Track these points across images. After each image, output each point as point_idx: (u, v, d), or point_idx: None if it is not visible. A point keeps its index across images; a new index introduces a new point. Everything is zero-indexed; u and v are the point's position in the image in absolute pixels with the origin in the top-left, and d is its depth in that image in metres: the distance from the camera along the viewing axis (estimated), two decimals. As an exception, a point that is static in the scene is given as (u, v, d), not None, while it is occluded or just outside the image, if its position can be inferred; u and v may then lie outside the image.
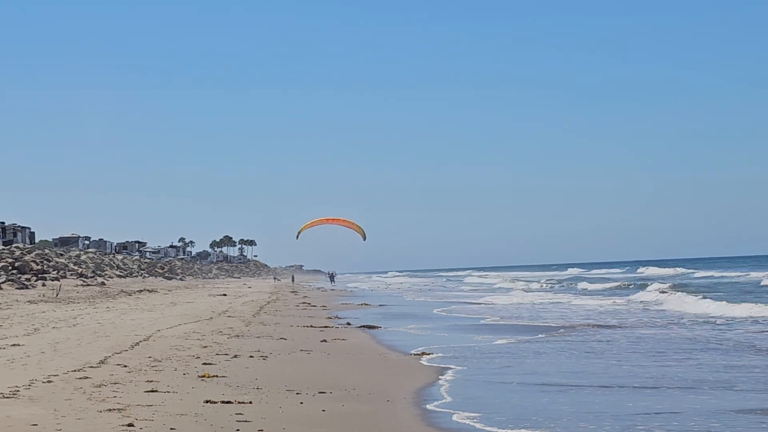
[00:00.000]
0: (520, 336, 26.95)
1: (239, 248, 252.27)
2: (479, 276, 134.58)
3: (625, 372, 18.19)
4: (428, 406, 14.08)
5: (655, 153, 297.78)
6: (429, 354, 21.48)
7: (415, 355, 21.55)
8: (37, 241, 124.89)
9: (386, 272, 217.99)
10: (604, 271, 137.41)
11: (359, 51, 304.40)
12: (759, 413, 13.20)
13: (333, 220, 61.77)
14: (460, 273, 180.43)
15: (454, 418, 13.12)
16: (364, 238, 61.25)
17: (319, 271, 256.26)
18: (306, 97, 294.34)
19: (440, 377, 17.44)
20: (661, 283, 68.41)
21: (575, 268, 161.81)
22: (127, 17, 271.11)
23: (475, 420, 12.87)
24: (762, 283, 63.81)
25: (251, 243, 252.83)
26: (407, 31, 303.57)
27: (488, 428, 12.31)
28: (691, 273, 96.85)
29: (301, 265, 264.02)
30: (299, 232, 62.85)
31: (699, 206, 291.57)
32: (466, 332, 29.05)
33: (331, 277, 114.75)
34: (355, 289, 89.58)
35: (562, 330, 29.17)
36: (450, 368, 18.79)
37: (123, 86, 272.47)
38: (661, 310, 39.63)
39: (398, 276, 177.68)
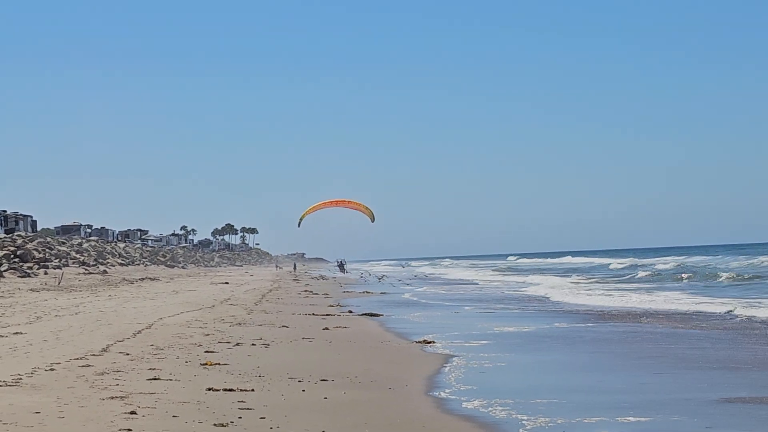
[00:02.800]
0: (515, 324, 27.05)
1: (241, 236, 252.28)
2: (429, 265, 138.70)
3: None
4: (432, 394, 14.09)
5: (666, 142, 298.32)
6: (432, 342, 21.49)
7: (417, 342, 21.56)
8: (39, 229, 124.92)
9: (367, 261, 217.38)
10: (539, 260, 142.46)
11: (360, 39, 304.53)
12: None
13: (338, 202, 57.33)
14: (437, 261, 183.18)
15: (464, 405, 13.11)
16: (373, 220, 56.95)
17: (322, 259, 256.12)
18: (307, 85, 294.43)
19: (444, 365, 17.44)
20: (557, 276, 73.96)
21: (522, 258, 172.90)
22: (128, 4, 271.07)
23: (483, 407, 12.86)
24: (638, 275, 68.12)
25: (253, 231, 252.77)
26: (399, 20, 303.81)
27: (497, 415, 12.31)
28: (607, 263, 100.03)
29: (303, 253, 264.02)
30: (301, 219, 58.79)
31: (711, 194, 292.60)
32: (468, 319, 29.09)
33: (341, 265, 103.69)
34: (361, 276, 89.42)
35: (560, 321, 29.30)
36: (454, 356, 18.80)
37: (124, 74, 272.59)
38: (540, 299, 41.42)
39: (376, 265, 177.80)
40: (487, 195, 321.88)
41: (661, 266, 78.92)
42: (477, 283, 65.02)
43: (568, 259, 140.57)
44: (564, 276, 74.01)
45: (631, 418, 12.01)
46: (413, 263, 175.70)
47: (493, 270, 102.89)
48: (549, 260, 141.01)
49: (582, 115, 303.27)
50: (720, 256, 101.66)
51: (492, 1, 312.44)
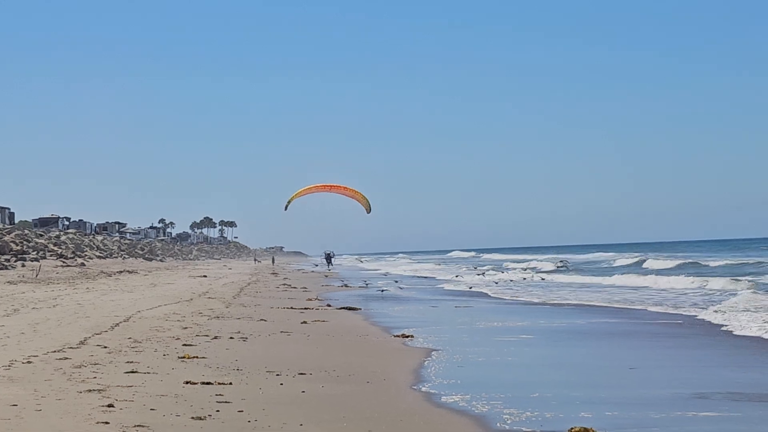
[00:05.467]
0: (500, 318, 27.13)
1: (219, 230, 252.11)
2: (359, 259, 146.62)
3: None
4: (412, 388, 14.09)
5: (634, 139, 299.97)
6: (411, 336, 21.49)
7: (396, 336, 21.57)
8: (16, 221, 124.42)
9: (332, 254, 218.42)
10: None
11: (337, 36, 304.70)
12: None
13: (332, 187, 51.38)
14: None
15: (444, 399, 13.11)
16: (369, 210, 51.39)
17: (300, 252, 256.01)
18: (286, 81, 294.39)
19: (424, 359, 17.43)
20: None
21: (458, 251, 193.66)
22: (114, 3, 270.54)
23: (463, 401, 12.86)
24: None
25: (231, 224, 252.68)
26: (384, 16, 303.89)
27: (477, 409, 12.33)
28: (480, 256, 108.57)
29: (282, 247, 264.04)
30: (289, 202, 53.01)
31: (678, 192, 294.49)
32: (447, 314, 29.15)
33: (328, 258, 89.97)
34: (343, 270, 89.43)
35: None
36: (433, 350, 18.80)
37: (103, 71, 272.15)
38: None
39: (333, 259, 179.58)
40: (442, 192, 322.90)
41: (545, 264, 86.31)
42: (443, 279, 65.24)
43: (492, 255, 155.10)
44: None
45: (615, 413, 12.09)
46: (365, 258, 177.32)
47: (434, 264, 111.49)
48: (485, 256, 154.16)
49: (545, 114, 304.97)
50: (642, 253, 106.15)
51: (479, 3, 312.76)
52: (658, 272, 60.57)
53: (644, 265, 77.01)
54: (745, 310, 26.92)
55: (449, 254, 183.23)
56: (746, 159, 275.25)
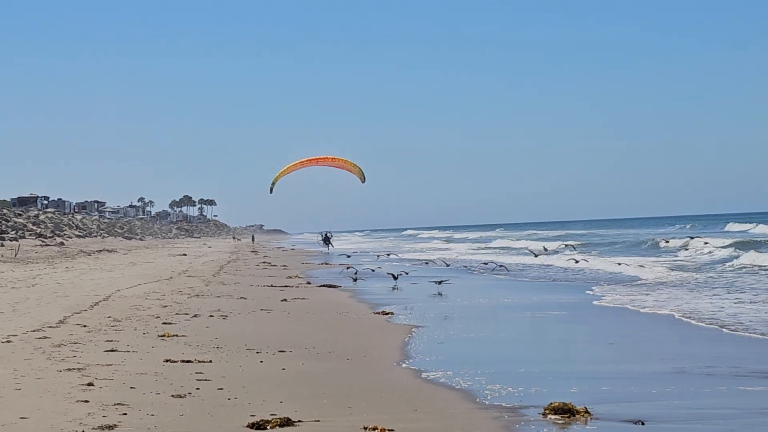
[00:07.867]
0: (482, 296, 27.16)
1: (199, 208, 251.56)
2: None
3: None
4: (392, 364, 14.10)
5: (627, 114, 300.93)
6: (391, 313, 21.51)
7: (377, 314, 21.58)
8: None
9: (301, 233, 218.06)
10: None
11: (319, 14, 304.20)
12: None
13: (317, 160, 47.71)
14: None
15: (422, 376, 13.11)
16: (363, 180, 47.82)
17: (280, 230, 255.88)
18: (264, 61, 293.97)
19: (406, 336, 17.45)
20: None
21: (410, 230, 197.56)
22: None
23: (444, 378, 12.87)
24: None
25: (211, 203, 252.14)
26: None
27: (459, 385, 12.35)
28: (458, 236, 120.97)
29: (261, 225, 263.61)
30: (274, 183, 48.92)
31: (671, 167, 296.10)
32: (426, 290, 29.18)
33: (326, 239, 76.97)
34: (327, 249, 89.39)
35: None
36: (415, 327, 18.82)
37: (81, 51, 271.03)
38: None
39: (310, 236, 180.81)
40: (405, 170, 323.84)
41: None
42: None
43: (435, 232, 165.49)
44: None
45: (602, 388, 12.14)
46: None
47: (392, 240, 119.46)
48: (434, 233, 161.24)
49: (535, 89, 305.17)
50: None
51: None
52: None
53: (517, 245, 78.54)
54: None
55: (404, 232, 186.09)
56: (738, 135, 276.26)
